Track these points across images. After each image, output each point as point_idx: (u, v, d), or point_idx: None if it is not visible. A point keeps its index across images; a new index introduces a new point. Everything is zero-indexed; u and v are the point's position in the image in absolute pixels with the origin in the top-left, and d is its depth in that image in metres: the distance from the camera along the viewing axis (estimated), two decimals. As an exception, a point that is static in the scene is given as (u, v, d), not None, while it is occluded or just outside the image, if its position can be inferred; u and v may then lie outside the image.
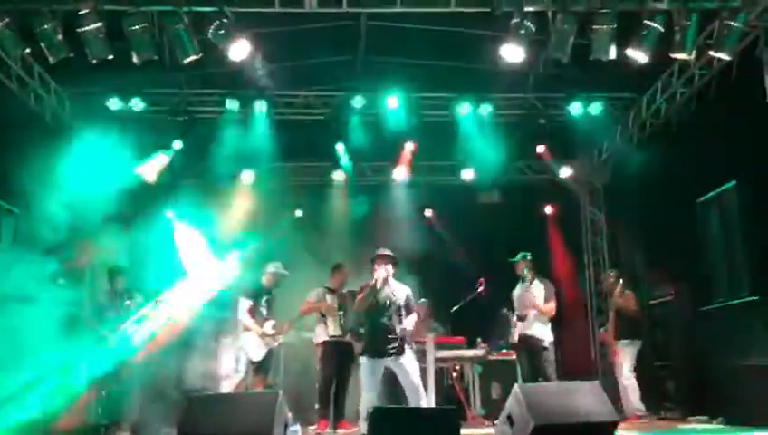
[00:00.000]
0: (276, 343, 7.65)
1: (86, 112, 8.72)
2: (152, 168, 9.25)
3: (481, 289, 7.88)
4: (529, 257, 7.66)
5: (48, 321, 6.49)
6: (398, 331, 6.17)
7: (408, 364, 6.27)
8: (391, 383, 6.57)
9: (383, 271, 6.20)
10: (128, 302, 7.66)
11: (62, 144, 7.84)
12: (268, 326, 7.49)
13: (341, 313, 7.50)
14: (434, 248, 9.93)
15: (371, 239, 9.07)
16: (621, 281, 8.23)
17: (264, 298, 7.59)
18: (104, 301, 7.81)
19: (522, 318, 7.42)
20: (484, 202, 10.78)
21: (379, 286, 6.17)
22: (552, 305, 7.41)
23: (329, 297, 7.58)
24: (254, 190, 10.00)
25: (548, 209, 11.13)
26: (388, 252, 6.40)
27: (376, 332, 6.29)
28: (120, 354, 7.32)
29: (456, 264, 9.89)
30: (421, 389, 6.30)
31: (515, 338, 7.53)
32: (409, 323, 6.32)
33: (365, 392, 6.20)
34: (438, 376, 8.10)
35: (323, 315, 7.58)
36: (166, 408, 7.49)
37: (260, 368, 7.44)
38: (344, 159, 10.01)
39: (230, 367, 8.22)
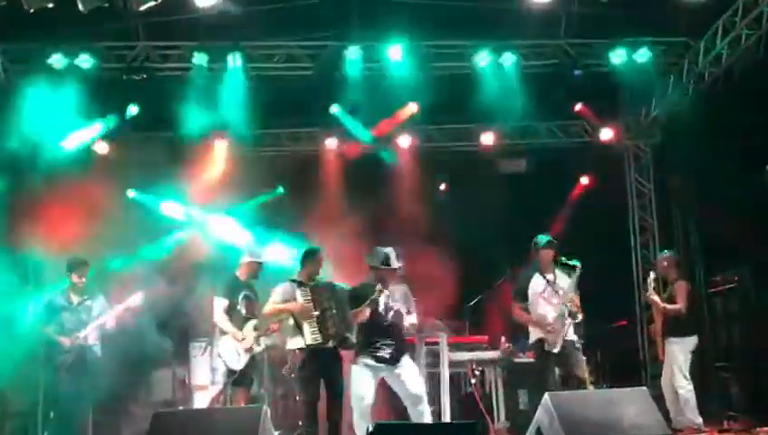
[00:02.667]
0: (260, 348, 7.58)
1: (26, 72, 8.80)
2: (99, 137, 9.56)
3: (506, 277, 7.99)
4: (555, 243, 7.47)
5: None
6: (395, 335, 6.35)
7: (405, 371, 6.38)
8: (389, 395, 6.76)
9: (384, 292, 6.40)
10: (87, 302, 7.66)
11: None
12: (249, 328, 7.42)
13: (318, 313, 6.86)
14: (447, 229, 9.93)
15: (371, 220, 9.44)
16: (674, 266, 8.18)
17: (242, 294, 7.48)
18: (57, 301, 7.73)
19: (573, 316, 7.15)
20: (507, 172, 10.88)
21: (378, 302, 6.39)
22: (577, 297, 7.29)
23: (300, 294, 6.96)
24: (227, 162, 10.12)
25: (585, 180, 11.16)
26: (395, 264, 6.48)
27: (371, 337, 6.44)
28: (74, 366, 7.39)
29: (474, 247, 9.98)
30: (424, 398, 6.43)
31: (557, 344, 7.12)
32: (411, 325, 6.51)
33: (355, 402, 6.31)
34: (455, 383, 8.18)
35: (297, 321, 7.07)
36: (126, 427, 7.69)
37: (241, 378, 7.38)
38: (338, 122, 10.14)
39: (205, 377, 8.41)
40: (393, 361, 6.40)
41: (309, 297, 6.92)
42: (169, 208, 10.29)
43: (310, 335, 6.82)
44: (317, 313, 6.85)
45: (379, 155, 10.64)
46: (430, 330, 7.95)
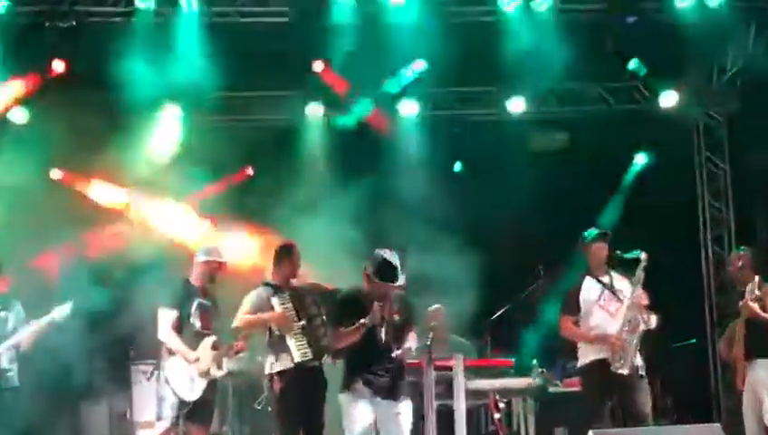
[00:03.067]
0: (221, 372, 7.43)
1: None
2: (14, 102, 9.46)
3: (541, 282, 8.19)
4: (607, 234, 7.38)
5: None
6: (393, 354, 6.31)
7: (404, 416, 6.32)
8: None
9: (379, 317, 6.23)
10: (1, 313, 7.51)
11: None
12: (205, 347, 7.28)
13: (304, 322, 7.01)
14: (464, 221, 9.82)
15: (366, 209, 9.37)
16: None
17: (196, 303, 7.36)
18: None
19: (644, 322, 7.05)
20: (541, 148, 10.75)
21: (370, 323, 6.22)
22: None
23: (276, 301, 7.09)
24: (180, 135, 10.04)
25: (641, 159, 11.03)
26: (400, 280, 6.30)
27: (365, 357, 6.30)
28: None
29: (499, 244, 10.00)
30: None
31: (626, 364, 7.01)
32: (411, 341, 6.41)
33: None
34: (473, 418, 8.10)
35: (274, 335, 7.17)
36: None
37: (196, 411, 7.24)
38: (323, 85, 10.04)
39: (151, 411, 8.21)
40: (393, 394, 6.27)
41: (288, 305, 7.02)
42: (104, 193, 10.13)
43: (297, 351, 6.90)
44: (302, 322, 6.94)
45: (376, 126, 10.49)
46: (442, 348, 7.76)
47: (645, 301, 7.13)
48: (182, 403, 7.12)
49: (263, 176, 10.38)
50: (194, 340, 7.23)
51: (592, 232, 7.29)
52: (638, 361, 7.07)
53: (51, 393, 8.26)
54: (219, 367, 7.33)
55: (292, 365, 6.99)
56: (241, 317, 7.10)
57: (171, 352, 7.22)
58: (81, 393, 9.12)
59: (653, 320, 7.08)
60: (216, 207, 9.95)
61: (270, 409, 7.42)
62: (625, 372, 6.96)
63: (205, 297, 7.40)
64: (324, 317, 6.93)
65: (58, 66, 9.30)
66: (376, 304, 6.24)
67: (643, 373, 7.05)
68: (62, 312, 7.50)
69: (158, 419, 7.40)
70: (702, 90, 10.55)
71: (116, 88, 8.99)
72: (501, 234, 10.04)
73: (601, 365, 7.01)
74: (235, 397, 8.61)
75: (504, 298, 9.02)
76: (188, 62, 8.99)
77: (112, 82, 8.94)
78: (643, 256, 7.03)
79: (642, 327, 7.03)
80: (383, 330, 6.28)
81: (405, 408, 6.32)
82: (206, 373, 7.21)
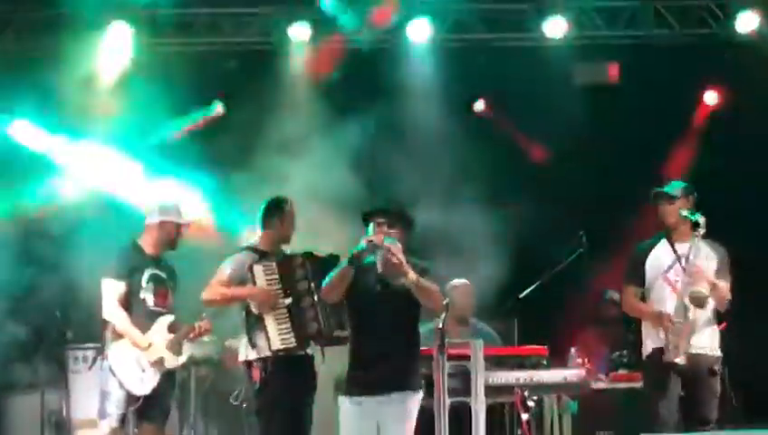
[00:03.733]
0: (180, 360, 7.46)
1: None
2: None
3: (582, 252, 8.21)
4: (694, 194, 7.28)
5: None
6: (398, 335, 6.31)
7: (400, 407, 6.30)
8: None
9: (379, 237, 6.27)
10: None
11: None
12: (160, 328, 7.34)
13: (290, 301, 6.97)
14: (487, 172, 9.90)
15: (364, 156, 9.61)
16: None
17: (148, 275, 7.39)
18: None
19: (698, 302, 7.01)
20: (587, 83, 10.73)
21: (366, 255, 6.16)
22: (727, 287, 7.11)
23: (261, 271, 7.03)
24: (129, 61, 10.04)
25: (711, 97, 11.06)
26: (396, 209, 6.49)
27: (367, 345, 6.34)
28: None
29: (530, 203, 9.93)
30: None
31: (678, 356, 7.02)
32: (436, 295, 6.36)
33: None
34: (495, 419, 8.03)
35: (252, 314, 7.13)
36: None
37: (148, 408, 7.28)
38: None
39: (92, 406, 7.94)
40: (387, 386, 6.23)
41: (275, 276, 6.97)
42: (27, 134, 10.04)
43: (276, 336, 6.91)
44: (288, 301, 6.91)
45: (377, 52, 10.49)
46: (460, 333, 7.94)
47: (707, 275, 7.03)
48: (130, 398, 7.12)
49: (234, 113, 10.43)
50: (146, 320, 7.23)
51: (676, 185, 7.25)
52: (706, 347, 6.99)
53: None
54: (177, 354, 7.33)
55: (267, 353, 7.02)
56: (215, 288, 7.05)
57: (118, 335, 7.19)
58: (7, 386, 9.20)
59: (710, 302, 7.00)
60: (176, 154, 9.93)
61: (246, 405, 7.47)
62: (678, 360, 6.93)
63: (159, 267, 7.39)
64: (316, 298, 6.89)
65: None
66: (373, 234, 6.20)
67: (718, 368, 6.99)
68: None
69: (102, 417, 7.35)
70: (790, 11, 10.19)
71: (50, 3, 9.22)
72: (532, 189, 10.10)
73: (661, 354, 7.02)
74: (200, 391, 8.65)
75: (535, 271, 8.92)
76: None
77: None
78: (701, 220, 7.01)
79: (694, 314, 7.00)
80: (390, 310, 6.23)
81: (412, 403, 6.30)
82: (159, 363, 7.22)
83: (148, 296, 7.28)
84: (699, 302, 6.92)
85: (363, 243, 6.15)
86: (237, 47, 10.42)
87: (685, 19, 10.54)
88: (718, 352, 7.08)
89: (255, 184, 8.93)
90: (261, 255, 7.11)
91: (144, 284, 7.30)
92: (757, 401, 9.51)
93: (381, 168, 9.41)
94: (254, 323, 7.08)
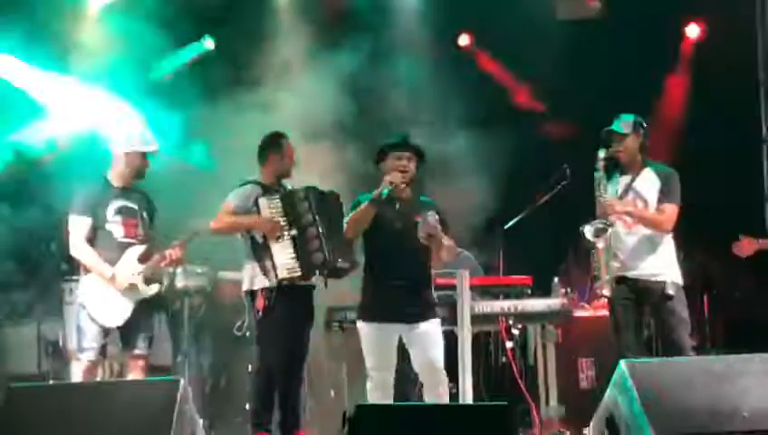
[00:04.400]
0: (152, 290, 7.45)
1: None
2: None
3: (563, 184, 8.13)
4: (643, 125, 7.27)
5: None
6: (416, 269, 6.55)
7: (428, 335, 6.58)
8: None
9: (398, 176, 6.46)
10: None
11: None
12: (128, 259, 7.32)
13: (296, 232, 7.10)
14: (468, 108, 9.86)
15: (360, 94, 9.52)
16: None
17: (115, 207, 7.38)
18: None
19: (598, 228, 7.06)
20: (570, 18, 10.69)
21: (385, 193, 6.37)
22: (672, 209, 7.09)
23: (266, 203, 7.18)
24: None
25: (694, 30, 11.03)
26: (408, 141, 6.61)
27: (385, 278, 6.54)
28: None
29: (514, 136, 9.88)
30: (442, 371, 6.59)
31: (604, 286, 7.14)
32: (448, 248, 6.60)
33: (370, 370, 6.53)
34: (480, 347, 8.28)
35: (259, 241, 7.26)
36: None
37: (126, 338, 7.38)
38: None
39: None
40: (419, 317, 6.56)
41: (279, 209, 7.11)
42: (12, 69, 9.71)
43: (282, 265, 7.02)
44: (293, 232, 7.03)
45: None
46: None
47: (615, 207, 7.12)
48: (104, 331, 7.22)
49: (227, 52, 10.42)
50: (114, 252, 7.26)
51: (625, 118, 7.21)
52: (655, 275, 7.03)
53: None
54: (148, 283, 7.38)
55: (272, 283, 7.15)
56: (221, 218, 7.19)
57: (87, 270, 7.29)
58: (3, 319, 9.24)
59: (609, 228, 7.02)
60: (154, 88, 9.75)
61: (249, 335, 7.54)
62: (605, 292, 7.13)
63: (127, 198, 7.41)
64: (320, 228, 7.02)
65: None
66: (393, 175, 6.36)
67: (671, 293, 6.99)
68: None
69: (80, 351, 7.45)
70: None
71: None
72: (516, 121, 10.11)
73: (622, 283, 7.12)
74: (192, 322, 8.65)
75: (519, 202, 8.89)
76: None
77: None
78: (601, 153, 7.12)
79: (625, 241, 7.11)
80: (408, 245, 6.42)
81: (430, 326, 6.57)
82: (131, 292, 7.28)
83: (115, 228, 7.30)
84: (597, 233, 7.01)
85: (386, 185, 6.33)
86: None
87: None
88: (667, 277, 7.06)
89: (243, 114, 8.99)
90: (265, 189, 7.22)
91: (110, 216, 7.30)
92: (741, 329, 9.70)
93: (367, 108, 9.41)
94: (260, 253, 7.23)
